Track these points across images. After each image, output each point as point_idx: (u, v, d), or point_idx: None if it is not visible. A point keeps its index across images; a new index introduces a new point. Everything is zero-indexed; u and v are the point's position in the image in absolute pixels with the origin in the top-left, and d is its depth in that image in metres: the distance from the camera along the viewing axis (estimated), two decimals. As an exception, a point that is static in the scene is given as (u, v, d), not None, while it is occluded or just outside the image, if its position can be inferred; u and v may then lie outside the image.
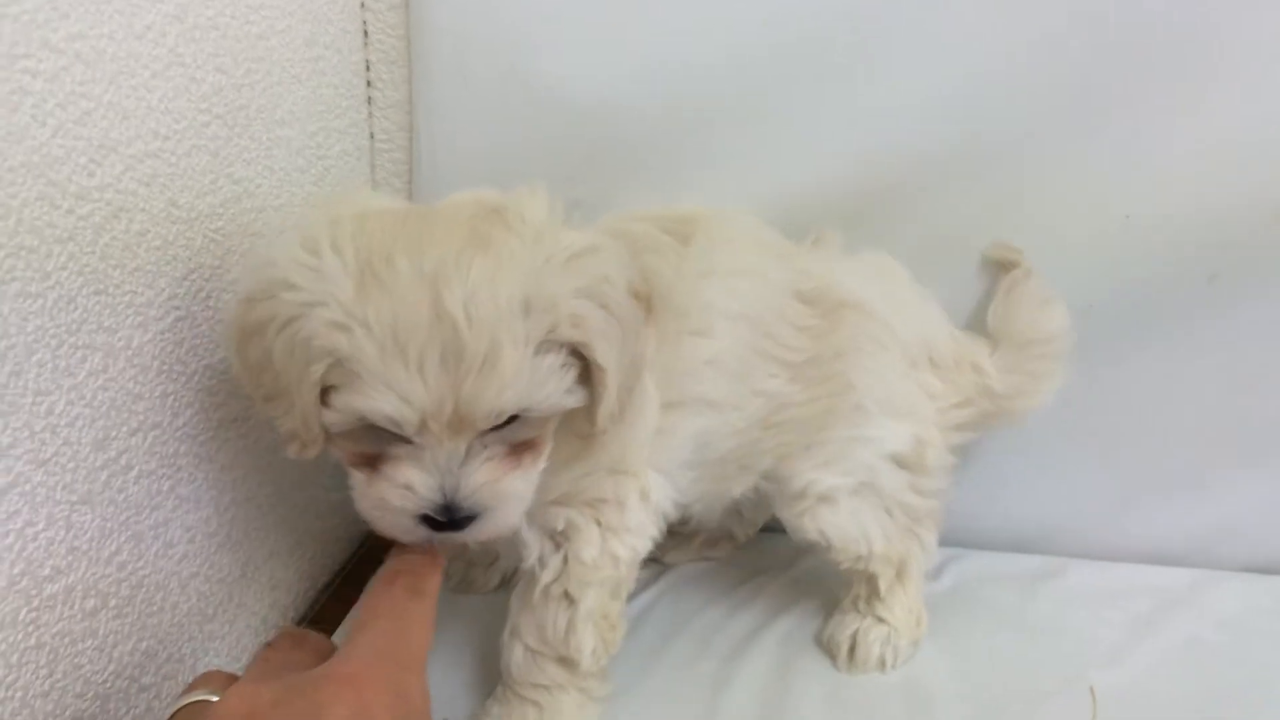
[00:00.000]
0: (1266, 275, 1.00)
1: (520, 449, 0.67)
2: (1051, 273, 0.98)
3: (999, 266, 1.00)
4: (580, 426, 0.70)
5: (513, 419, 0.64)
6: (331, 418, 0.63)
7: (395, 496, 0.64)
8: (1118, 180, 0.98)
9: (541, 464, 0.68)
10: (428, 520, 0.64)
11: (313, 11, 0.90)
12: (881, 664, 0.92)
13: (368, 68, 1.02)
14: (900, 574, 0.92)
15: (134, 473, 0.69)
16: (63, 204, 0.61)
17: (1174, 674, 0.91)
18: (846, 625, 0.94)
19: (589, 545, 0.77)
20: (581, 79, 1.00)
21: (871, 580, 0.92)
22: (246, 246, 0.80)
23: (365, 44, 1.01)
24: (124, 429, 0.68)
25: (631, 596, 0.98)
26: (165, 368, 0.72)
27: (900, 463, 0.88)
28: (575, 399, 0.66)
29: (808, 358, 0.83)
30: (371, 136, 1.04)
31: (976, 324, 1.01)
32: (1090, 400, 1.04)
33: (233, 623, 0.84)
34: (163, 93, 0.70)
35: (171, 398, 0.73)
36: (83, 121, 0.62)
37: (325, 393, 0.63)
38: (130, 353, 0.68)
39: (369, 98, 1.03)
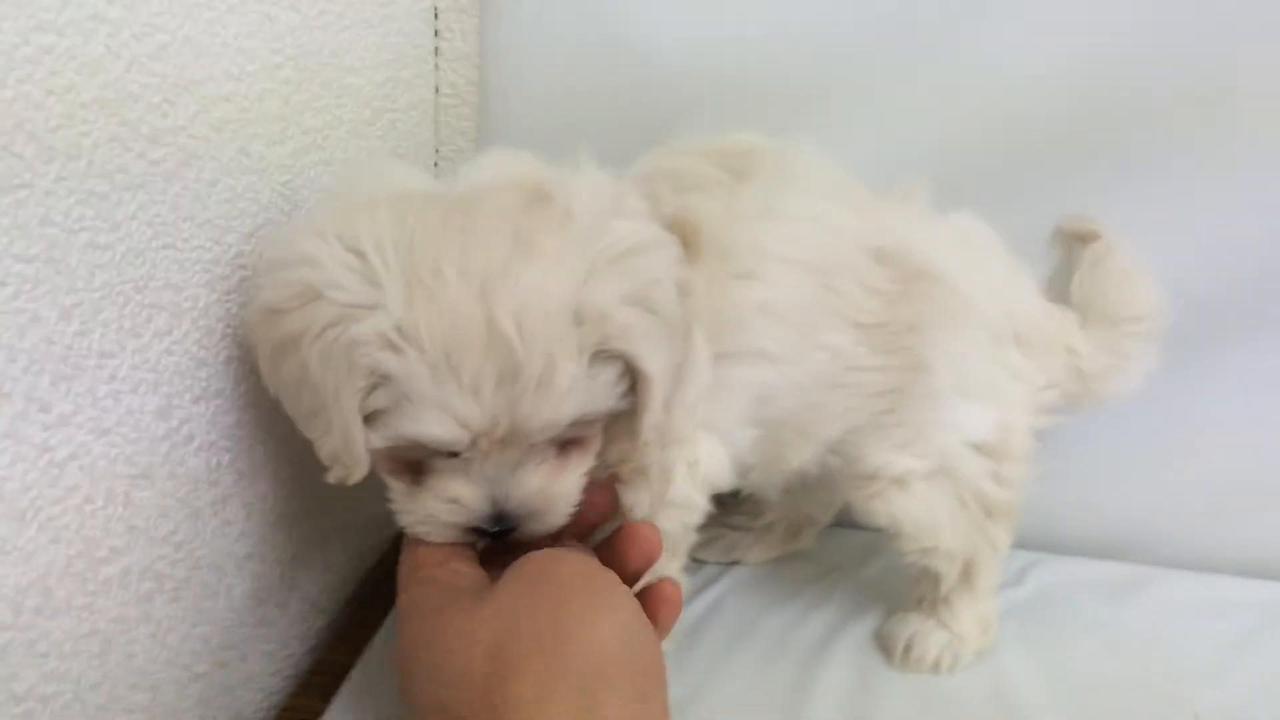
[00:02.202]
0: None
1: (568, 448, 0.63)
2: (1155, 259, 0.92)
3: (1076, 240, 0.93)
4: (626, 428, 0.65)
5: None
6: (375, 440, 0.59)
7: (442, 511, 0.61)
8: (1234, 164, 0.92)
9: (589, 461, 0.65)
10: (475, 531, 0.62)
11: (384, -49, 0.83)
12: (937, 667, 0.86)
13: (436, 15, 0.95)
14: (967, 575, 0.86)
15: (195, 444, 0.64)
16: (135, 146, 0.55)
17: (1282, 698, 0.85)
18: (907, 625, 0.88)
19: (638, 511, 0.72)
20: (665, 37, 0.94)
21: (936, 580, 0.86)
22: (311, 205, 0.74)
23: (435, -12, 0.94)
24: (187, 396, 0.62)
25: (695, 595, 0.93)
26: (230, 330, 0.66)
27: (982, 450, 0.82)
28: (627, 403, 0.63)
29: (878, 321, 0.76)
30: (436, 90, 0.98)
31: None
32: (1187, 396, 0.98)
33: (284, 606, 0.79)
34: (237, 29, 0.63)
35: (235, 363, 0.67)
36: (158, 56, 0.56)
37: (369, 414, 0.58)
38: (196, 314, 0.62)
39: (436, 48, 0.96)
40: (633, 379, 0.62)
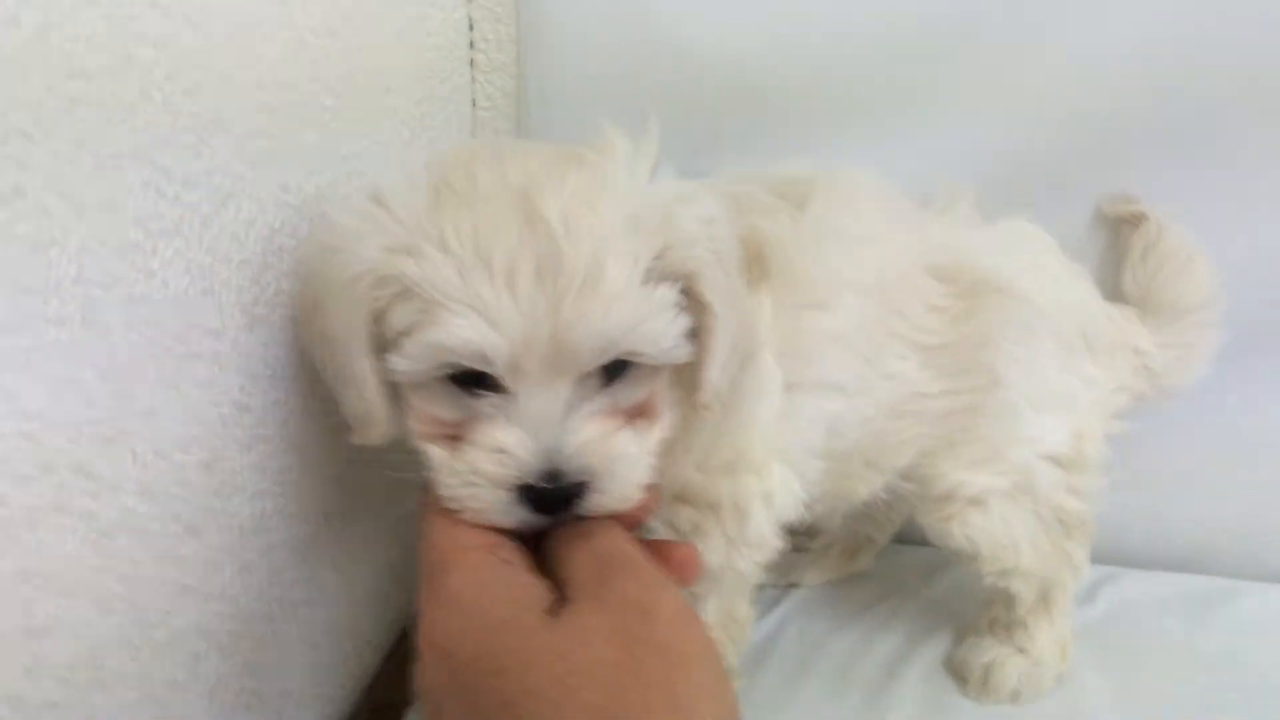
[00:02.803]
0: None
1: (632, 414, 0.56)
2: (1237, 253, 0.88)
3: (1123, 224, 0.90)
4: (688, 396, 0.59)
5: (618, 372, 0.54)
6: (402, 367, 0.53)
7: (488, 463, 0.52)
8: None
9: (659, 432, 0.57)
10: (528, 495, 0.53)
11: (416, -35, 0.81)
12: (1017, 696, 0.83)
13: (470, 26, 0.92)
14: (1044, 597, 0.83)
15: (243, 494, 0.61)
16: (169, 191, 0.52)
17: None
18: (982, 652, 0.85)
19: (713, 554, 0.68)
20: (704, 40, 0.90)
21: (1011, 603, 0.83)
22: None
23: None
24: (233, 446, 0.60)
25: (756, 619, 0.90)
26: (273, 374, 0.63)
27: (1058, 462, 0.79)
28: (685, 352, 0.56)
29: (942, 342, 0.73)
30: (474, 104, 0.95)
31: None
32: (1260, 397, 0.94)
33: (338, 649, 0.77)
34: (272, 59, 0.60)
35: (279, 406, 0.64)
36: (192, 94, 0.53)
37: (391, 345, 0.53)
38: (239, 359, 0.60)
39: (471, 60, 0.93)
40: (692, 330, 0.56)
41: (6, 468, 0.43)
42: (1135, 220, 0.89)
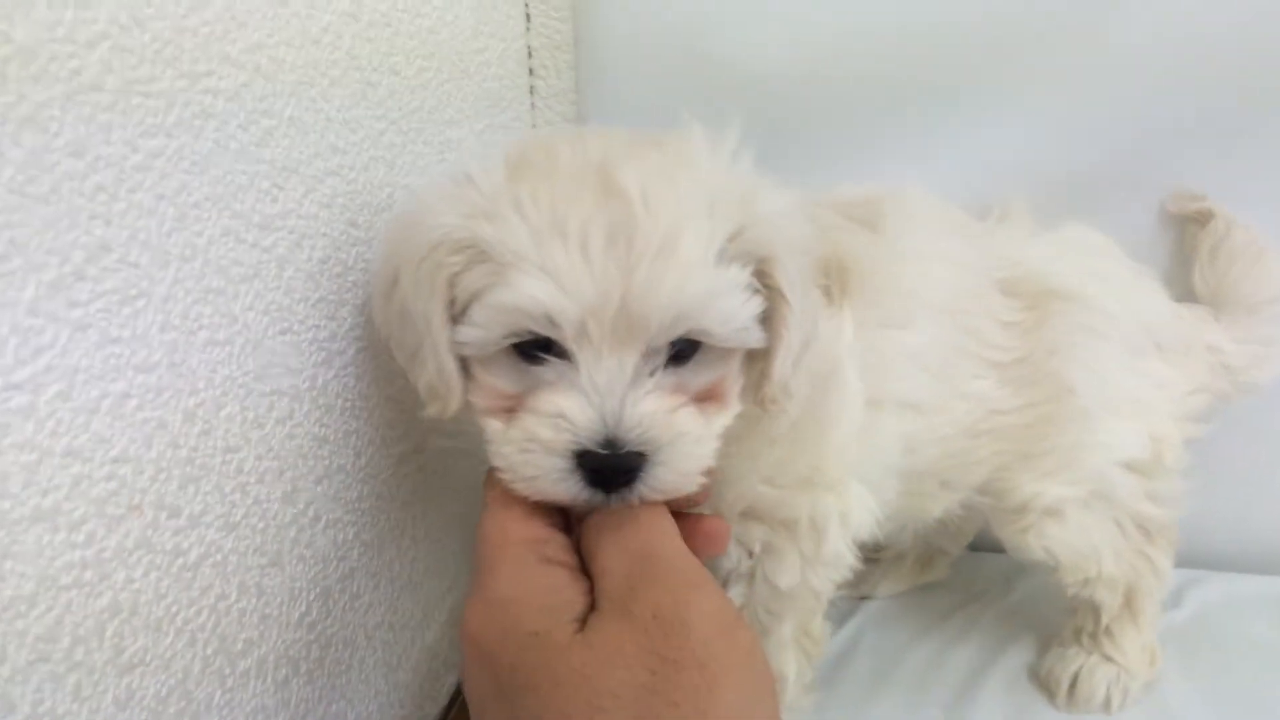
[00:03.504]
0: None
1: (699, 397, 0.55)
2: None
3: (1190, 223, 0.89)
4: (756, 392, 0.59)
5: (687, 355, 0.54)
6: (471, 336, 0.53)
7: (546, 428, 0.52)
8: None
9: (725, 419, 0.56)
10: (585, 465, 0.51)
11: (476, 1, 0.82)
12: (1107, 705, 0.82)
13: (530, 54, 0.94)
14: (1130, 603, 0.82)
15: (321, 524, 0.63)
16: (247, 237, 0.54)
17: None
18: (1069, 661, 0.84)
19: (787, 574, 0.68)
20: (766, 59, 0.90)
21: (1096, 611, 0.82)
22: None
23: (528, 29, 0.93)
24: (310, 477, 0.62)
25: (831, 634, 0.90)
26: (348, 405, 0.65)
27: (1135, 468, 0.77)
28: (757, 338, 0.55)
29: (1016, 357, 0.73)
30: (534, 128, 0.96)
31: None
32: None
33: (416, 669, 0.78)
34: (340, 101, 0.62)
35: (354, 436, 0.66)
36: (264, 142, 0.55)
37: (461, 316, 0.53)
38: (315, 393, 0.62)
39: (531, 87, 0.95)
40: (764, 318, 0.56)
41: (98, 509, 0.45)
42: (1202, 218, 0.88)
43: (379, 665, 0.72)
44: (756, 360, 0.58)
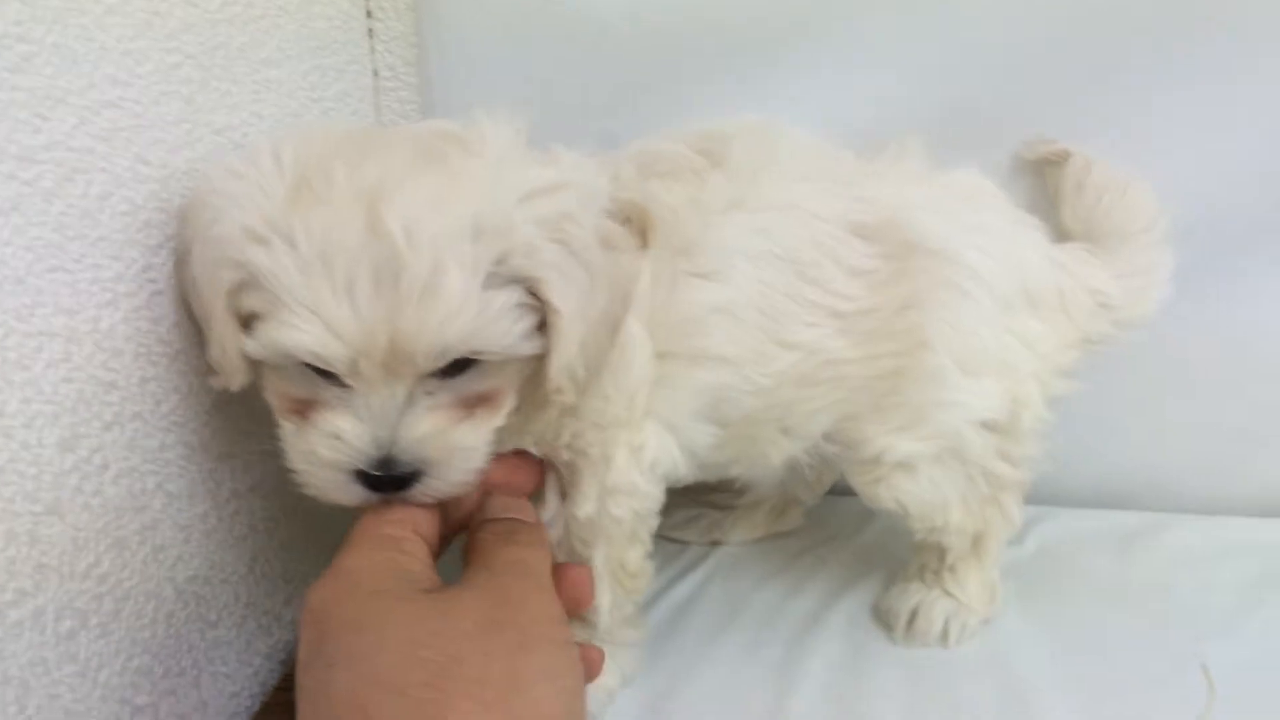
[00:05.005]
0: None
1: (474, 402, 0.58)
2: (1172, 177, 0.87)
3: (1048, 166, 0.89)
4: (539, 389, 0.61)
5: (463, 366, 0.56)
6: (254, 349, 0.55)
7: (324, 447, 0.56)
8: (1228, 77, 0.87)
9: (499, 419, 0.60)
10: (363, 477, 0.56)
11: (299, -67, 0.79)
12: (944, 638, 0.83)
13: (367, -4, 0.91)
14: (976, 545, 0.82)
15: (110, 472, 0.61)
16: (3, 167, 0.51)
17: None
18: (909, 596, 0.85)
19: (585, 502, 0.69)
20: (617, 4, 0.88)
21: (942, 551, 0.83)
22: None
23: (362, -32, 0.90)
24: (95, 424, 0.59)
25: (679, 578, 0.90)
26: (143, 350, 0.63)
27: (991, 427, 0.77)
28: (532, 346, 0.58)
29: (861, 308, 0.71)
30: (375, 73, 0.94)
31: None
32: (1190, 333, 0.94)
33: (241, 625, 0.76)
34: (119, 32, 0.60)
35: (153, 383, 0.64)
36: (19, 69, 0.52)
37: (249, 321, 0.56)
38: (98, 336, 0.59)
39: (370, 29, 0.92)
40: (542, 321, 0.58)
41: None
42: (1060, 158, 0.88)
43: (193, 620, 0.70)
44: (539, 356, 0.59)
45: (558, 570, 0.60)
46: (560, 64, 0.92)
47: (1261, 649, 0.80)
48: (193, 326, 0.65)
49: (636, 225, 0.67)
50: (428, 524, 0.59)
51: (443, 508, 0.61)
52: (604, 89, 0.92)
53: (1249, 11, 0.84)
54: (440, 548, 0.61)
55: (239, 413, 0.72)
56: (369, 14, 0.92)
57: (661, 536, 0.92)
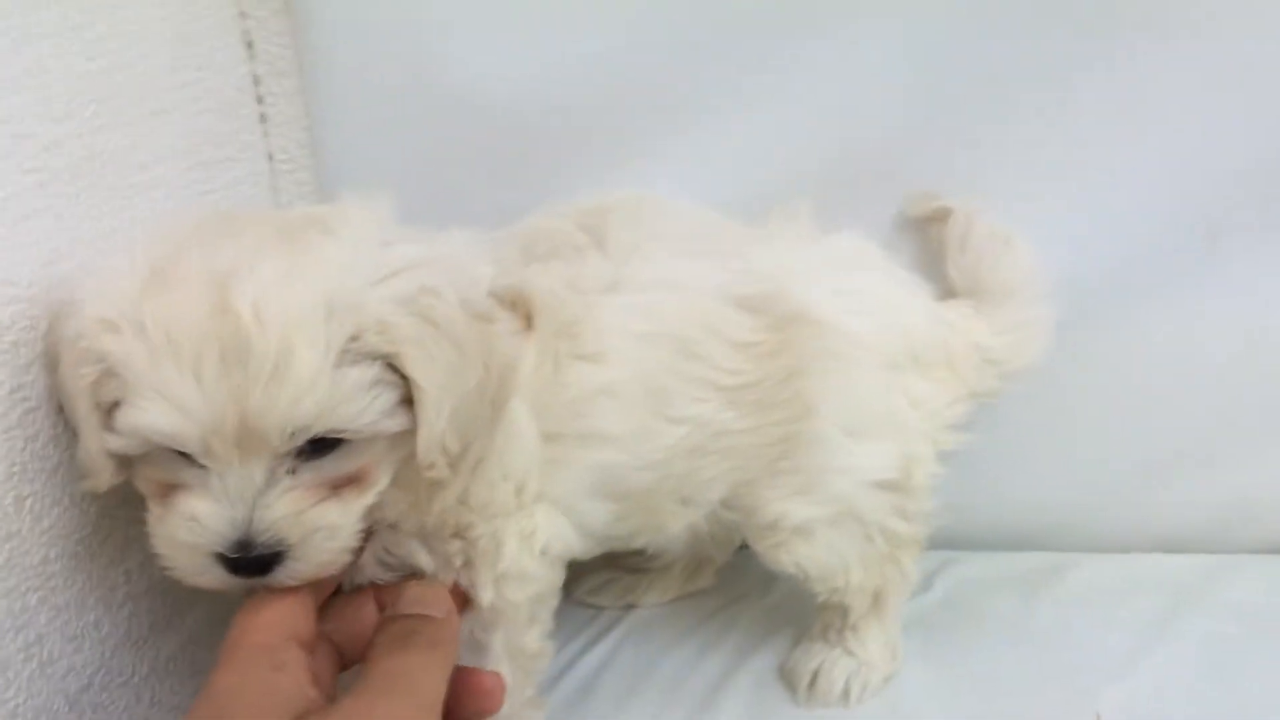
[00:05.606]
0: (1269, 230, 0.90)
1: (341, 482, 0.58)
2: (1032, 241, 0.89)
3: (930, 223, 0.90)
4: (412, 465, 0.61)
5: (330, 446, 0.56)
6: (115, 443, 0.56)
7: (183, 530, 0.56)
8: (1101, 132, 0.89)
9: (369, 498, 0.60)
10: (224, 560, 0.56)
11: (177, 33, 0.80)
12: (845, 697, 0.84)
13: (256, 83, 0.92)
14: (877, 604, 0.84)
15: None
16: None
17: (1189, 680, 0.83)
18: (812, 657, 0.86)
19: (482, 590, 0.68)
20: (490, 85, 0.90)
21: (845, 611, 0.84)
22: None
23: (250, 57, 0.91)
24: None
25: (589, 646, 0.91)
26: (17, 468, 0.63)
27: (885, 487, 0.79)
28: (398, 423, 0.58)
29: (746, 381, 0.72)
30: (270, 158, 0.94)
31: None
32: (1084, 378, 0.96)
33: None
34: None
35: (30, 500, 0.64)
36: None
37: (110, 411, 0.56)
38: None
39: (262, 115, 0.93)
40: (408, 397, 0.58)
41: None
42: (941, 215, 0.89)
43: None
44: (411, 434, 0.59)
45: (466, 675, 0.60)
46: (450, 140, 0.93)
47: (1154, 689, 0.81)
48: (72, 438, 0.66)
49: (520, 309, 0.68)
50: (304, 624, 0.58)
51: (342, 607, 0.61)
52: (496, 163, 0.94)
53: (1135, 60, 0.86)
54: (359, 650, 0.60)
55: (132, 517, 0.72)
56: (260, 100, 0.92)
57: (577, 602, 0.94)
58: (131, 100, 0.74)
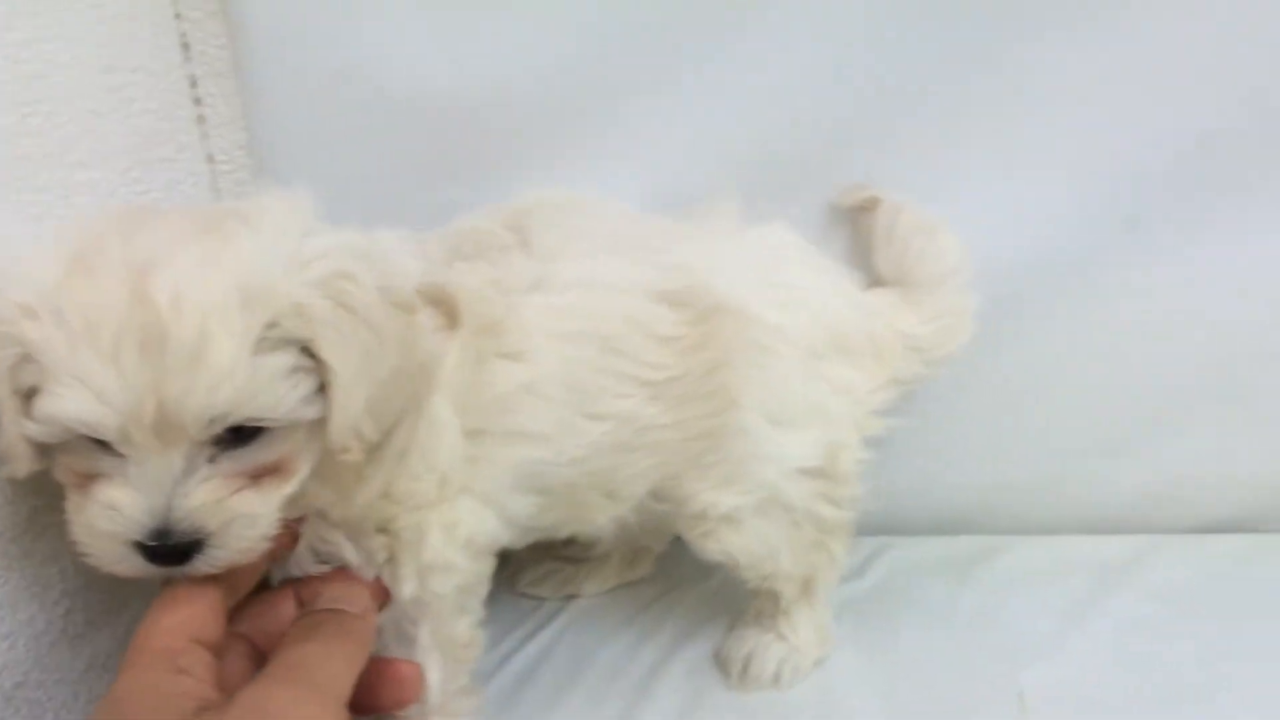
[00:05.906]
0: (1190, 216, 0.92)
1: (261, 471, 0.59)
2: (957, 229, 0.91)
3: (859, 212, 0.92)
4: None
5: (251, 435, 0.57)
6: (34, 430, 0.56)
7: (101, 519, 0.56)
8: (1023, 121, 0.91)
9: (289, 487, 0.60)
10: (142, 549, 0.56)
11: (112, 34, 0.81)
12: (776, 681, 0.86)
13: (194, 84, 0.92)
14: (806, 589, 0.86)
15: None
16: None
17: (1110, 660, 0.86)
18: (744, 642, 0.88)
19: (405, 582, 0.69)
20: (424, 86, 0.92)
21: (776, 596, 0.86)
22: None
23: (187, 59, 0.91)
24: None
25: (528, 638, 0.92)
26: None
27: (811, 474, 0.81)
28: (316, 410, 0.58)
29: (670, 375, 0.74)
30: (210, 159, 0.95)
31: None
32: (1010, 364, 0.98)
33: (82, 720, 0.77)
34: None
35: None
36: None
37: (29, 399, 0.56)
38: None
39: (200, 116, 0.94)
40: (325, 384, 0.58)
41: None
42: (870, 205, 0.91)
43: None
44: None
45: (384, 664, 0.61)
46: (387, 139, 0.94)
47: (1078, 671, 0.84)
48: None
49: (444, 307, 0.69)
50: (210, 627, 0.58)
51: (260, 606, 0.62)
52: (435, 161, 0.95)
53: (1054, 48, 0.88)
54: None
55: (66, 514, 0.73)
56: (197, 101, 0.93)
57: (519, 594, 0.96)
58: (64, 101, 0.75)
